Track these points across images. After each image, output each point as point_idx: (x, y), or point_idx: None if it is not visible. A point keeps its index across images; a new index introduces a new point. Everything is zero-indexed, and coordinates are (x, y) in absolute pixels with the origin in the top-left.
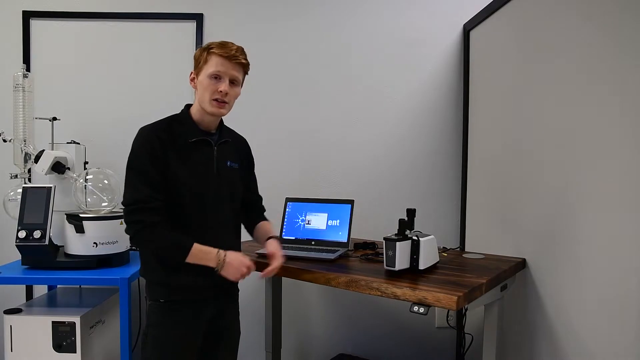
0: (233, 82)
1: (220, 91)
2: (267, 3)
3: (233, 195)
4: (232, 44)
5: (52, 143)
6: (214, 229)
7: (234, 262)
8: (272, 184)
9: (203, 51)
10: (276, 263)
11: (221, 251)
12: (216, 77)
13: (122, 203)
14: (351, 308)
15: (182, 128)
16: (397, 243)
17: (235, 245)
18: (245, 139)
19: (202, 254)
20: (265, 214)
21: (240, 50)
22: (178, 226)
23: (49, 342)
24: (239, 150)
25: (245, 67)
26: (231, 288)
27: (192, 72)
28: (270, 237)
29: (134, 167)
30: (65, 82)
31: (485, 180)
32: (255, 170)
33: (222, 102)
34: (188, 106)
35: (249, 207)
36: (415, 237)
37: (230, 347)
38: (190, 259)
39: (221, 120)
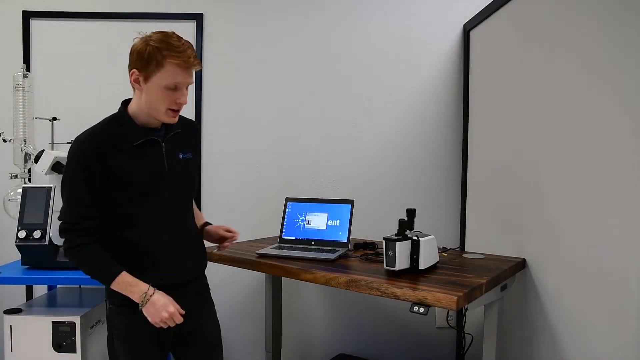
0: (186, 87)
1: (179, 103)
2: (267, 3)
3: (190, 191)
4: (184, 44)
5: (52, 143)
6: (172, 231)
7: (156, 303)
8: (272, 184)
9: (155, 52)
10: (235, 235)
11: (151, 289)
12: (174, 88)
13: (58, 217)
14: (351, 308)
15: (124, 130)
16: (397, 243)
17: (196, 246)
18: (193, 122)
19: (126, 285)
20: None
21: (195, 53)
22: (134, 232)
23: (49, 342)
24: (189, 137)
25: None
26: (199, 285)
27: (135, 71)
28: (206, 223)
29: (67, 182)
30: (65, 82)
31: (485, 180)
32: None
33: (178, 110)
34: (125, 103)
35: None
36: (415, 237)
37: (207, 346)
38: (115, 286)
39: None
